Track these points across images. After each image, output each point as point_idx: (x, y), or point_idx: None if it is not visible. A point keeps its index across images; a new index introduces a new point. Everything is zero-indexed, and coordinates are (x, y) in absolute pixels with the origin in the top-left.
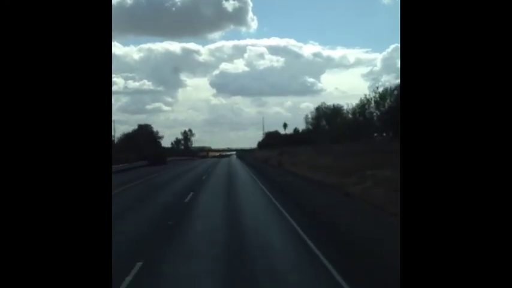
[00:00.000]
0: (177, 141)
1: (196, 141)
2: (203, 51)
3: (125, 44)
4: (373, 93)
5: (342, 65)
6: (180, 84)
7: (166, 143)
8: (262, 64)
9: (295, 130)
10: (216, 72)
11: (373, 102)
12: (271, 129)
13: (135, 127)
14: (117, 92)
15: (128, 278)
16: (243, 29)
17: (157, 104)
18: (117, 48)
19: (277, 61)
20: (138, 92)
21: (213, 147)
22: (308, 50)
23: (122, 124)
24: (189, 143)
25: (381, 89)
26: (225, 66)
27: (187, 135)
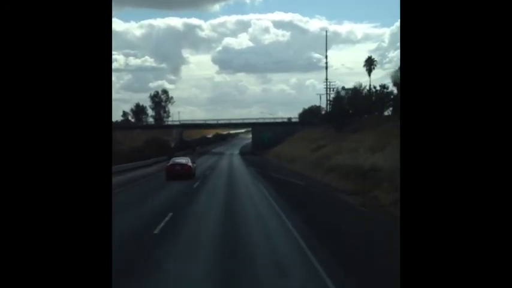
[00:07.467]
0: (138, 110)
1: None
2: (205, 26)
3: (124, 20)
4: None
5: (349, 40)
6: (183, 61)
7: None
8: (267, 39)
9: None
10: (219, 48)
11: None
12: (276, 109)
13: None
14: (118, 70)
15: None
16: (247, 0)
17: (160, 82)
18: (118, 25)
19: (283, 35)
20: (140, 69)
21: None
22: (314, 24)
23: (126, 103)
24: (164, 114)
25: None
26: (228, 41)
27: (160, 101)
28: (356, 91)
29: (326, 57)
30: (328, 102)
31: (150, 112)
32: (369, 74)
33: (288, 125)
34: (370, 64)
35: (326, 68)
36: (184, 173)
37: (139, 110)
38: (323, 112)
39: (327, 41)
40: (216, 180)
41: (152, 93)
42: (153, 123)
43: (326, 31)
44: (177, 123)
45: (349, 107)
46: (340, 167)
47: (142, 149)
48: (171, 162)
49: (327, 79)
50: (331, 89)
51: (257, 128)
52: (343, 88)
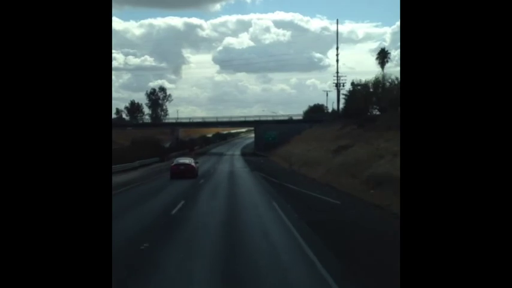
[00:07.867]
0: (133, 108)
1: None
2: (206, 26)
3: (124, 19)
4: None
5: (350, 39)
6: (183, 60)
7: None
8: (268, 38)
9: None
10: (220, 48)
11: None
12: (276, 108)
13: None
14: (117, 68)
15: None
16: (248, 0)
17: (160, 81)
18: (117, 24)
19: (284, 35)
20: (139, 68)
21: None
22: (315, 24)
23: (125, 101)
24: (161, 112)
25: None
26: (229, 40)
27: (158, 99)
28: (377, 83)
29: (337, 48)
30: (343, 96)
31: (147, 110)
32: (382, 67)
33: (292, 123)
34: (383, 57)
35: (337, 60)
36: (188, 172)
37: (134, 108)
38: (329, 110)
39: (337, 31)
40: (211, 197)
41: (149, 90)
42: (149, 121)
43: (337, 19)
44: (174, 121)
45: (371, 101)
46: (391, 178)
47: (131, 150)
48: (175, 162)
49: (337, 72)
50: (342, 84)
51: (260, 126)
52: (352, 84)
